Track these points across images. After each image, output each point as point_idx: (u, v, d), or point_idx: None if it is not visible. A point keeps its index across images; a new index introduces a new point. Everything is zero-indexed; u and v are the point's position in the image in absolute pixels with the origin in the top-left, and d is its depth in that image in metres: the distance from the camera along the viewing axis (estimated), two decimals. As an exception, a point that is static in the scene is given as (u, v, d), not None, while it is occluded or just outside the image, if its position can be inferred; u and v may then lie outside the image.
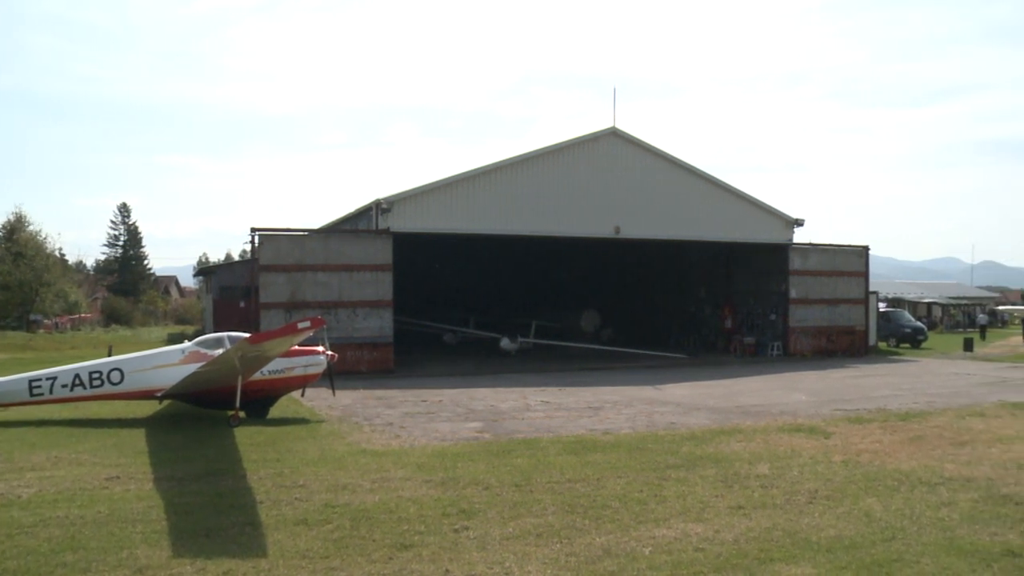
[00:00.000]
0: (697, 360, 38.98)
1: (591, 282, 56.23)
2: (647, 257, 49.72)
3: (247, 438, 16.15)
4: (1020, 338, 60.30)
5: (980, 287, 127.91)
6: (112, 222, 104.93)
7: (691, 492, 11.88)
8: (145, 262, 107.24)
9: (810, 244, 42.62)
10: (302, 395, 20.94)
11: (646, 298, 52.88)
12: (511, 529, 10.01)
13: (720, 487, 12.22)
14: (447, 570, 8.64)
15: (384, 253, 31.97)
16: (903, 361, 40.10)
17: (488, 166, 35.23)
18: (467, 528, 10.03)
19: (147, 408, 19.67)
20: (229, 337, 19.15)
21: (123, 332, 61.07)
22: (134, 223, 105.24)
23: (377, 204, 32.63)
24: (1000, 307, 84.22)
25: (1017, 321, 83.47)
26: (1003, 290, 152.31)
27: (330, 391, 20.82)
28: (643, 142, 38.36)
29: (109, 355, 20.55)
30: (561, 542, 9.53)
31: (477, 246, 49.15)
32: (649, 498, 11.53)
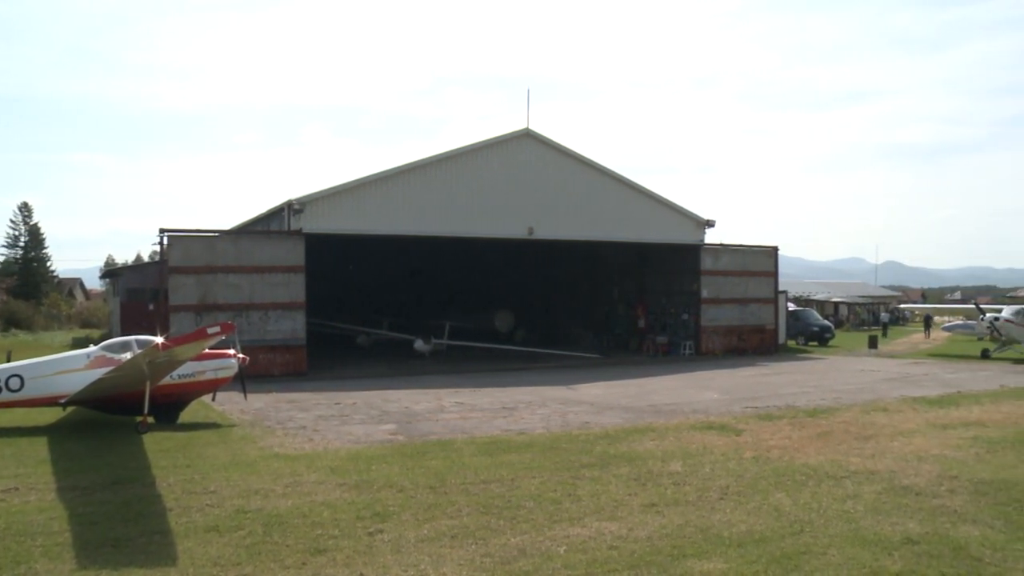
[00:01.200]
0: (610, 360, 39.34)
1: (505, 283, 56.32)
2: (561, 258, 49.98)
3: (156, 444, 15.78)
4: (921, 335, 62.28)
5: (884, 286, 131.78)
6: (12, 222, 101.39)
7: (605, 491, 11.99)
8: (48, 264, 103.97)
9: (721, 245, 43.33)
10: (212, 399, 20.54)
11: (560, 298, 53.18)
12: (426, 531, 9.97)
13: (634, 485, 12.35)
14: (361, 574, 8.58)
15: (296, 254, 31.55)
16: (811, 359, 41.03)
17: (401, 167, 35.02)
18: (382, 531, 9.96)
19: (50, 415, 19.02)
20: (137, 341, 18.67)
21: (23, 337, 59.01)
22: (35, 223, 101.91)
23: (289, 205, 32.17)
24: (902, 305, 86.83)
25: (918, 319, 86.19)
26: (905, 289, 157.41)
27: (242, 395, 20.49)
28: (556, 143, 38.56)
29: (8, 361, 19.83)
30: (476, 543, 9.52)
31: (391, 247, 48.83)
32: (563, 497, 11.59)
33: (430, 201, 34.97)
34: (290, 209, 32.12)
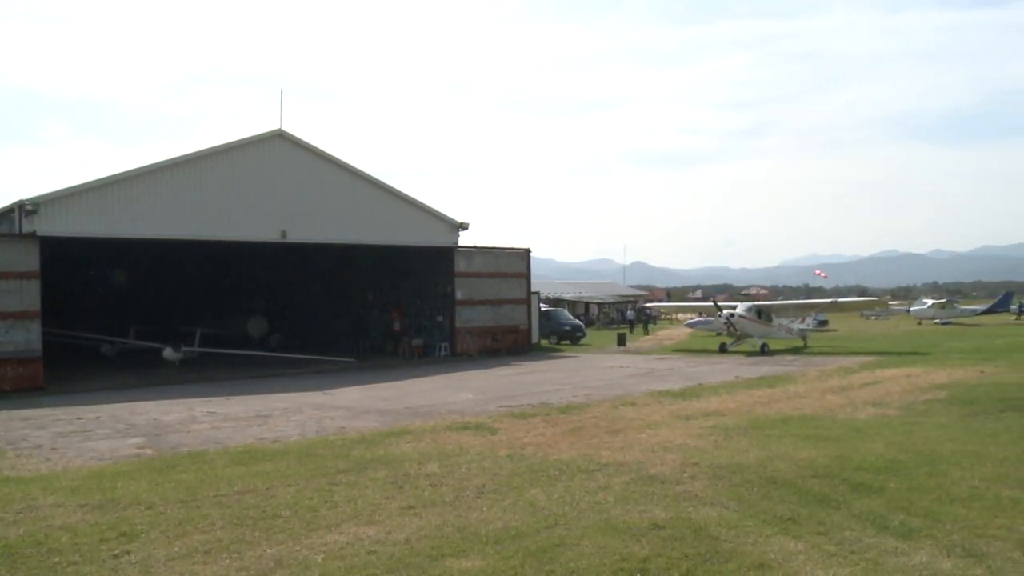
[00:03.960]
0: (366, 363, 39.21)
1: (259, 287, 55.01)
2: (315, 261, 49.36)
3: None
4: (667, 331, 65.89)
5: (631, 286, 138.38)
6: None
7: (362, 495, 11.96)
8: None
9: (475, 247, 44.11)
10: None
11: (315, 302, 52.51)
12: (177, 548, 9.60)
13: (391, 488, 12.39)
14: (106, 598, 8.16)
15: (30, 259, 29.38)
16: (563, 357, 42.47)
17: (149, 166, 33.39)
18: (128, 552, 9.49)
19: None
20: None
21: None
22: None
23: (20, 205, 29.87)
24: (648, 304, 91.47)
25: (664, 317, 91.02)
26: (650, 288, 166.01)
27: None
28: (311, 145, 38.06)
29: None
30: (231, 557, 9.27)
31: (137, 251, 46.57)
32: (320, 504, 11.48)
33: (179, 203, 33.54)
34: (22, 210, 29.85)
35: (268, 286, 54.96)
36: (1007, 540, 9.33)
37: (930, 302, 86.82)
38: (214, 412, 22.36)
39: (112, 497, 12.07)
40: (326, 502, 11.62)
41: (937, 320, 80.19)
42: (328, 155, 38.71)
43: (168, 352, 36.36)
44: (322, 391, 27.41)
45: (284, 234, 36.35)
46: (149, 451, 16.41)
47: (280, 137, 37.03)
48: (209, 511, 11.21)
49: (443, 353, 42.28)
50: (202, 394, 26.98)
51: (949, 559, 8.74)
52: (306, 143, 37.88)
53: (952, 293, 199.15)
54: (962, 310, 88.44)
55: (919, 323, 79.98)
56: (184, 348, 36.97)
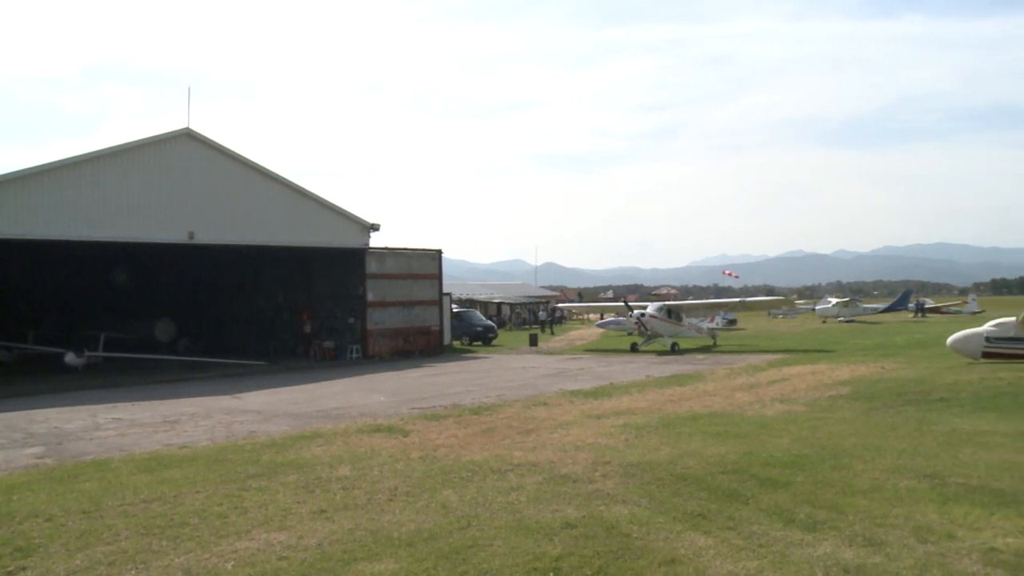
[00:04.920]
0: (277, 366, 38.68)
1: (166, 290, 53.87)
2: (225, 263, 48.56)
3: None
4: (579, 331, 66.40)
5: (543, 286, 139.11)
6: None
7: (273, 500, 11.77)
8: None
9: (386, 248, 43.86)
10: None
11: (225, 305, 51.66)
12: (79, 561, 9.29)
13: (302, 493, 12.22)
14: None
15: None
16: (476, 358, 42.49)
17: (47, 164, 32.32)
18: (24, 568, 9.12)
19: None
20: None
21: None
22: None
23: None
24: (560, 304, 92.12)
25: (575, 317, 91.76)
26: (562, 288, 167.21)
27: None
28: (219, 145, 37.39)
29: None
30: (136, 568, 9.02)
31: (37, 253, 45.11)
32: (230, 511, 11.25)
33: (81, 203, 32.60)
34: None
35: (176, 288, 53.87)
36: (904, 528, 9.65)
37: (834, 301, 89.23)
38: (119, 418, 21.77)
39: (8, 511, 11.61)
40: (236, 508, 11.40)
41: (841, 318, 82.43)
42: (238, 155, 38.09)
43: (70, 357, 35.33)
44: (232, 395, 26.95)
45: (192, 235, 35.64)
46: (49, 460, 15.87)
47: (188, 136, 36.29)
48: (113, 521, 10.89)
49: (355, 355, 41.95)
50: (107, 400, 26.28)
51: (851, 549, 8.98)
52: (215, 143, 37.20)
53: (855, 292, 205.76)
54: (864, 308, 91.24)
55: (824, 321, 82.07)
56: (88, 353, 35.98)
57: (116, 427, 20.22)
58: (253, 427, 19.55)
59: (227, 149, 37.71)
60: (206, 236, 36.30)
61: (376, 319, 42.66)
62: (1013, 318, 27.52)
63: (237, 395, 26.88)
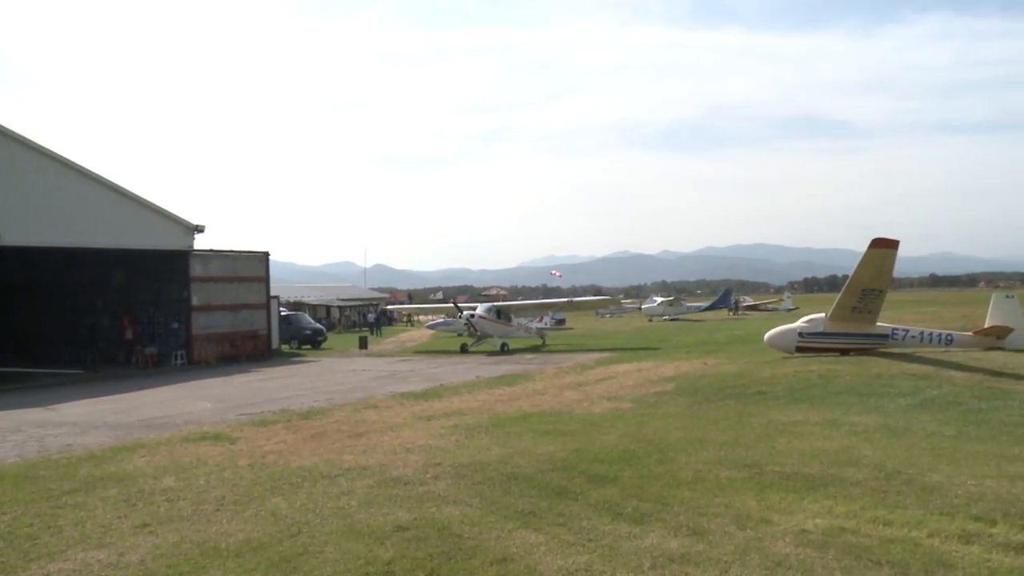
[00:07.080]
0: (96, 375, 36.99)
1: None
2: (36, 266, 46.01)
3: None
4: (409, 334, 66.26)
5: (373, 288, 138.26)
6: None
7: (91, 517, 11.21)
8: None
9: (211, 250, 42.61)
10: None
11: (37, 311, 48.94)
12: None
13: (123, 507, 11.69)
14: None
15: None
16: (305, 362, 41.83)
17: None
18: None
19: None
20: None
21: None
22: None
23: None
24: (389, 306, 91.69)
25: (405, 318, 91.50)
26: (392, 290, 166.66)
27: None
28: (28, 140, 35.40)
29: None
30: (-67, 599, 8.44)
31: None
32: (41, 531, 10.63)
33: None
34: None
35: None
36: (725, 516, 10.08)
37: (659, 300, 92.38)
38: (-84, 434, 20.32)
39: None
40: (48, 527, 10.78)
41: (666, 317, 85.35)
42: (49, 151, 36.16)
43: None
44: (45, 407, 25.53)
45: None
46: None
47: (-5, 131, 34.24)
48: (-94, 549, 10.13)
49: (179, 361, 40.58)
50: (-98, 415, 24.49)
51: (676, 539, 9.28)
52: (23, 137, 35.21)
53: (679, 291, 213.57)
54: (688, 307, 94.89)
55: (650, 320, 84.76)
56: None
57: (-86, 444, 18.86)
58: (69, 440, 18.58)
59: (37, 144, 35.72)
60: (14, 237, 34.25)
61: (202, 323, 41.41)
62: (823, 314, 29.27)
63: (51, 406, 25.50)
